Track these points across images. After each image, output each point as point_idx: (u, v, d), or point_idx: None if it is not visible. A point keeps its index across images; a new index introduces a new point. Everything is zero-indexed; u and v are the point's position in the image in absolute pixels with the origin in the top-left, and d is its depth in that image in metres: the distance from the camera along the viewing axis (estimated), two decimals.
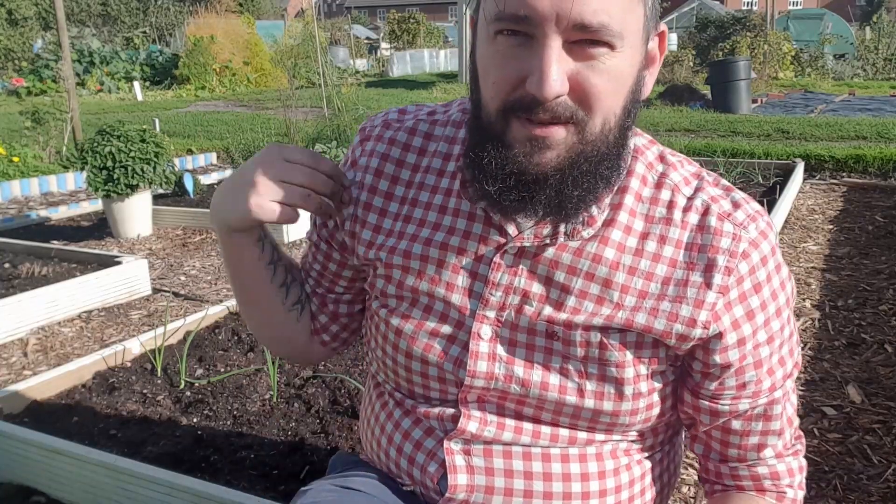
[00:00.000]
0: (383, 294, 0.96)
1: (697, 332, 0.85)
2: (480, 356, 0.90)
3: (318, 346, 1.11)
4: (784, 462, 0.95)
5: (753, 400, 0.89)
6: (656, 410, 0.91)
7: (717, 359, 0.87)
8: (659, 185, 0.88)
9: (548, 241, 0.86)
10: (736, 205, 0.88)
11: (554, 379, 0.88)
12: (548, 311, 0.88)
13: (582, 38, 0.73)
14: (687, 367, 0.91)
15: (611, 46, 0.74)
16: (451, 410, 0.94)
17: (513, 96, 0.76)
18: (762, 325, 0.87)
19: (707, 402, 0.90)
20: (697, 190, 0.88)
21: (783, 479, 0.95)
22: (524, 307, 0.88)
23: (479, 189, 0.82)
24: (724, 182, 0.91)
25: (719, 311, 0.85)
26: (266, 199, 0.90)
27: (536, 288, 0.88)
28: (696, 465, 1.91)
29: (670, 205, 0.87)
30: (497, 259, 0.88)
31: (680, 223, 0.86)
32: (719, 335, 0.86)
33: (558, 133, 0.77)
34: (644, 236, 0.87)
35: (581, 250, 0.86)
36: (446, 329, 0.92)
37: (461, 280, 0.90)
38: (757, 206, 0.90)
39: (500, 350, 0.90)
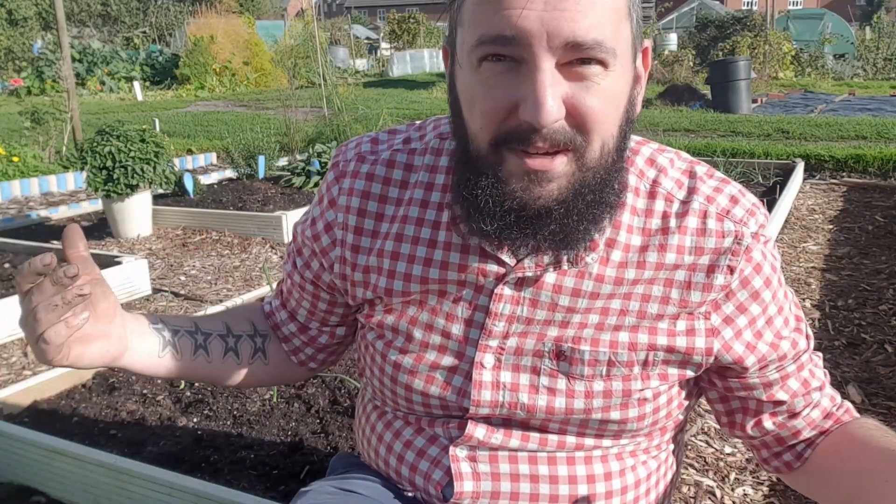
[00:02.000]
0: (380, 325, 0.94)
1: (702, 325, 0.86)
2: (484, 385, 0.89)
3: (304, 371, 1.12)
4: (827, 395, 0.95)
5: (780, 363, 0.90)
6: (663, 413, 0.91)
7: (729, 356, 0.87)
8: (652, 195, 0.86)
9: (550, 269, 0.84)
10: (734, 200, 0.87)
11: (560, 402, 0.87)
12: (553, 332, 0.86)
13: (574, 59, 0.70)
14: (709, 379, 0.93)
15: (604, 65, 0.71)
16: (456, 420, 0.93)
17: (505, 126, 0.72)
18: (771, 299, 0.88)
19: (737, 381, 0.91)
20: (691, 191, 0.86)
21: (838, 410, 0.94)
22: (529, 333, 0.87)
23: (476, 227, 0.79)
24: (718, 174, 0.90)
25: (725, 308, 0.86)
26: (51, 349, 0.80)
27: (540, 315, 0.86)
28: (696, 464, 1.92)
29: (665, 215, 0.86)
30: (498, 290, 0.86)
31: (678, 229, 0.85)
32: (727, 332, 0.87)
33: (557, 165, 0.73)
34: (643, 249, 0.85)
35: (583, 272, 0.84)
36: (447, 361, 0.90)
37: (461, 311, 0.89)
38: (753, 197, 0.89)
39: (504, 377, 0.88)
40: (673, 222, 0.85)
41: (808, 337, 0.93)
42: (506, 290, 0.86)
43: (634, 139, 0.89)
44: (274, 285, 2.97)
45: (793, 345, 0.90)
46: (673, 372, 0.88)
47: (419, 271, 0.89)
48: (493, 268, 0.86)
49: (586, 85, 0.71)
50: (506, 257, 0.84)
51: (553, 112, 0.69)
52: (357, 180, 0.93)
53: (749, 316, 0.87)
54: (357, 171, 0.94)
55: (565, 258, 0.82)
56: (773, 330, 0.89)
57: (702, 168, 0.89)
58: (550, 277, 0.85)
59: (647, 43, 0.82)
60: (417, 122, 1.00)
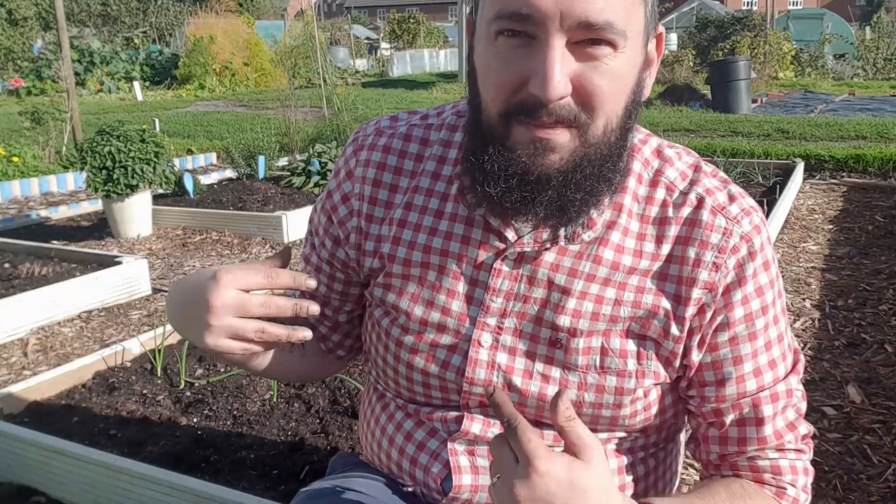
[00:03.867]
0: (383, 302, 0.95)
1: (685, 327, 0.86)
2: (479, 363, 0.90)
3: (334, 361, 1.12)
4: (787, 458, 0.91)
5: (737, 398, 0.87)
6: (655, 409, 0.91)
7: (696, 356, 0.87)
8: (654, 184, 0.88)
9: (548, 245, 0.85)
10: (732, 198, 0.87)
11: (552, 391, 0.88)
12: (549, 315, 0.87)
13: (585, 38, 0.72)
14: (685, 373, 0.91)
15: (614, 46, 0.73)
16: (454, 413, 0.94)
17: (515, 99, 0.75)
18: (742, 319, 0.86)
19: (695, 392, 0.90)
20: (693, 183, 0.88)
21: (785, 476, 0.90)
22: (526, 313, 0.88)
23: (481, 192, 0.81)
24: (722, 174, 0.91)
25: (706, 306, 0.85)
26: (221, 338, 0.84)
27: (537, 293, 0.87)
28: (696, 464, 1.92)
29: (664, 203, 0.87)
30: (497, 265, 0.87)
31: (674, 220, 0.86)
32: (703, 330, 0.86)
33: (561, 135, 0.76)
34: (641, 237, 0.86)
35: (581, 253, 0.86)
36: (446, 339, 0.91)
37: (461, 287, 0.90)
38: (752, 201, 0.89)
39: (500, 359, 0.89)
40: (671, 212, 0.86)
41: (777, 380, 0.88)
42: (504, 266, 0.87)
43: (644, 132, 0.91)
44: None
45: (758, 389, 0.87)
46: (663, 371, 0.88)
47: (423, 239, 0.91)
48: (494, 242, 0.88)
49: (595, 65, 0.74)
50: (508, 233, 0.86)
51: (560, 88, 0.72)
52: (374, 152, 0.96)
53: (714, 324, 0.86)
54: (374, 144, 0.97)
55: (562, 234, 0.84)
56: (735, 352, 0.87)
57: (708, 167, 0.91)
58: (550, 256, 0.86)
59: (661, 28, 0.83)
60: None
